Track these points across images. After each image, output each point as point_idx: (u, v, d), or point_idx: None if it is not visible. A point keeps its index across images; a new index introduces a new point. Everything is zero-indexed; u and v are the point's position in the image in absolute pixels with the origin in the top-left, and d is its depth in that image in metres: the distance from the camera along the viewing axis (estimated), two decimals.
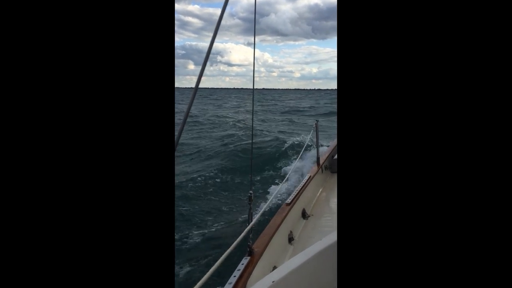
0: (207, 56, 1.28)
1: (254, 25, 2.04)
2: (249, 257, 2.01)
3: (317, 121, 4.22)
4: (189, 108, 1.26)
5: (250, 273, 1.81)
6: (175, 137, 0.96)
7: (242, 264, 1.90)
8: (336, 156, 4.40)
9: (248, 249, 2.05)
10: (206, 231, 4.68)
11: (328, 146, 5.32)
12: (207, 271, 1.38)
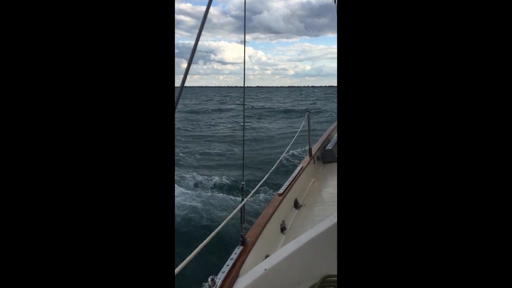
0: (192, 55, 1.29)
1: (244, 22, 2.09)
2: (242, 247, 2.04)
3: (309, 111, 4.27)
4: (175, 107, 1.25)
5: (243, 262, 1.84)
6: None
7: (235, 253, 1.92)
8: (328, 146, 4.45)
9: (241, 239, 2.09)
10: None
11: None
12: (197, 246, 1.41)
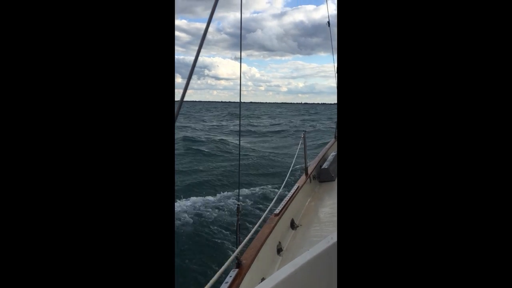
0: (191, 72, 1.32)
1: (240, 38, 2.08)
2: (237, 269, 1.99)
3: (305, 131, 4.26)
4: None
5: (238, 285, 1.79)
6: None
7: (230, 276, 1.87)
8: (324, 166, 4.42)
9: (236, 261, 2.03)
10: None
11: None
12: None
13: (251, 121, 30.77)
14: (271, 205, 2.44)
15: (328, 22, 5.69)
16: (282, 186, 2.87)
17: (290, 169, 3.72)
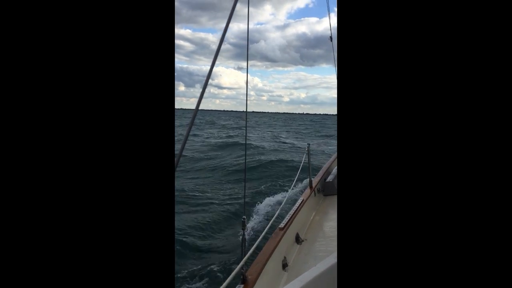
0: (207, 81, 1.33)
1: (247, 48, 2.06)
2: (242, 285, 1.95)
3: (309, 144, 4.23)
4: (189, 128, 1.30)
5: None
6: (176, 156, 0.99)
7: None
8: (328, 179, 4.38)
9: (242, 277, 1.99)
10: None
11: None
12: None
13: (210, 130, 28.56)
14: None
15: (331, 37, 5.77)
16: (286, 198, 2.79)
17: (294, 181, 3.67)
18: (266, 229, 2.37)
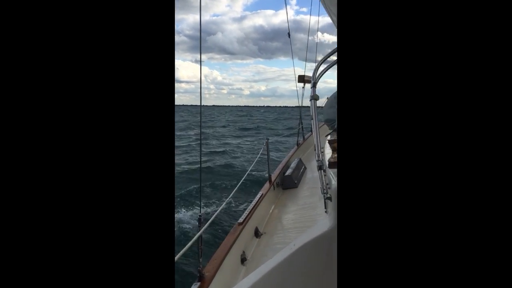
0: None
1: (200, 43, 2.01)
2: (199, 283, 1.93)
3: (268, 139, 4.24)
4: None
5: None
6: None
7: None
8: (287, 173, 4.43)
9: (198, 274, 1.96)
10: None
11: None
12: None
13: None
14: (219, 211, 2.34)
15: (289, 34, 5.94)
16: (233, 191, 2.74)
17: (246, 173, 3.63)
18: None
